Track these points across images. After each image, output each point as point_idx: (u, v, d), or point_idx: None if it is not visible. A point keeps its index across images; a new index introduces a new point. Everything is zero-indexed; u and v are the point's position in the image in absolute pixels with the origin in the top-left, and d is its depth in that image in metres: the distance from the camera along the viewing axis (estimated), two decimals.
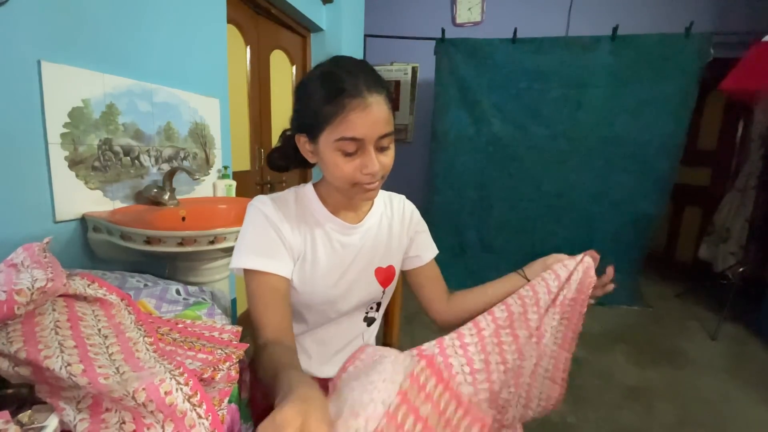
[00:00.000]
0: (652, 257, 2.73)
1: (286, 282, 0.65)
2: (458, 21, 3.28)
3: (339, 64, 0.60)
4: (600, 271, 0.67)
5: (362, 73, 0.58)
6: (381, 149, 0.61)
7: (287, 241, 0.65)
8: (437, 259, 0.83)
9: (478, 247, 2.95)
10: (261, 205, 0.66)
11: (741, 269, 2.41)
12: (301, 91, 0.63)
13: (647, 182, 2.62)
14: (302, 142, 0.65)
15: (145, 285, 0.72)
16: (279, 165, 0.74)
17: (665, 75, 2.48)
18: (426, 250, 0.82)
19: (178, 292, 0.70)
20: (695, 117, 2.59)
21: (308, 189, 0.71)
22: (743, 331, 2.39)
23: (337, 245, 0.70)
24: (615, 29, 2.50)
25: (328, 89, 0.57)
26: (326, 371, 0.75)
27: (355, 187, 0.62)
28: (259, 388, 0.74)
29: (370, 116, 0.56)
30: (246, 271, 0.63)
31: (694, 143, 3.33)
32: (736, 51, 2.80)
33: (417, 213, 0.83)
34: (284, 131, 0.74)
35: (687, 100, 2.48)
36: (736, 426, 1.55)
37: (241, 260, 0.62)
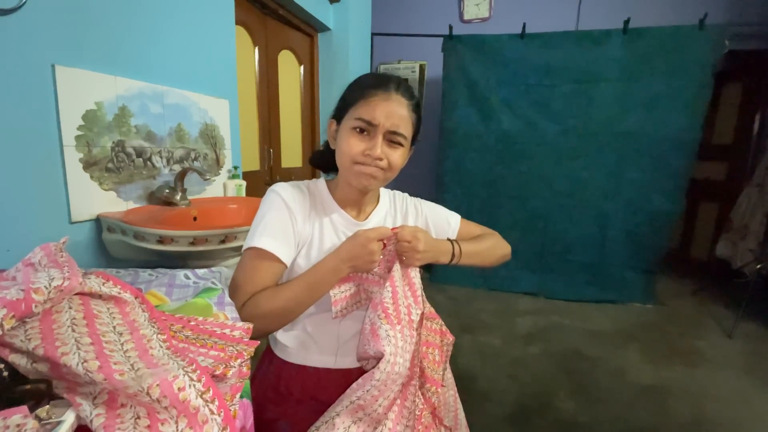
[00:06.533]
0: (666, 254, 2.69)
1: (283, 267, 0.70)
2: (466, 17, 3.26)
3: (384, 71, 0.68)
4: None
5: (398, 79, 0.69)
6: (391, 144, 0.68)
7: (297, 228, 0.71)
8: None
9: None
10: (281, 190, 0.71)
11: (759, 266, 2.35)
12: (346, 88, 0.73)
13: (662, 178, 2.55)
14: (332, 129, 0.73)
15: (156, 277, 0.73)
16: (317, 163, 0.83)
17: (679, 68, 2.42)
18: (449, 222, 0.87)
19: (186, 276, 0.69)
20: (710, 111, 2.52)
21: (320, 182, 0.79)
22: (761, 329, 2.33)
23: (342, 236, 0.74)
24: (626, 22, 2.45)
25: (363, 81, 0.69)
26: (339, 362, 0.74)
27: (355, 166, 0.67)
28: (260, 384, 0.75)
29: (388, 108, 0.65)
30: (252, 247, 0.67)
31: (710, 137, 3.25)
32: (752, 42, 2.73)
33: (413, 202, 0.87)
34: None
35: (702, 94, 2.41)
36: (753, 425, 1.52)
37: (254, 240, 0.67)
